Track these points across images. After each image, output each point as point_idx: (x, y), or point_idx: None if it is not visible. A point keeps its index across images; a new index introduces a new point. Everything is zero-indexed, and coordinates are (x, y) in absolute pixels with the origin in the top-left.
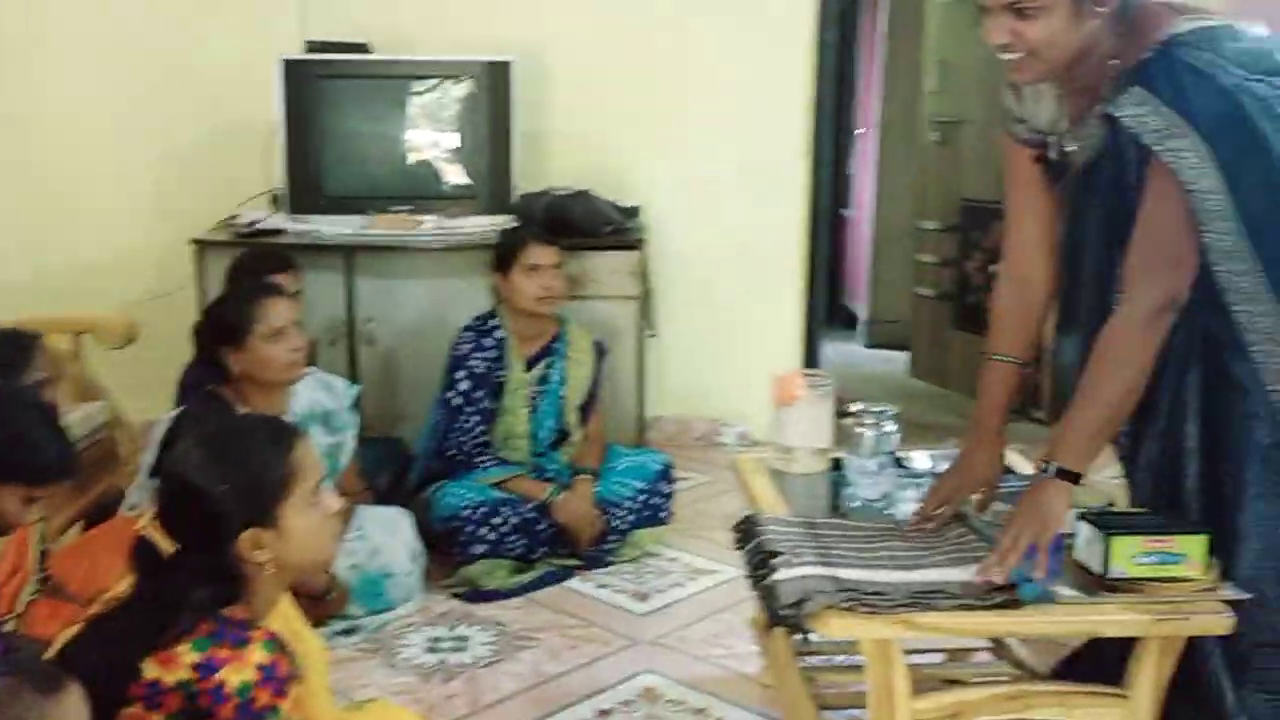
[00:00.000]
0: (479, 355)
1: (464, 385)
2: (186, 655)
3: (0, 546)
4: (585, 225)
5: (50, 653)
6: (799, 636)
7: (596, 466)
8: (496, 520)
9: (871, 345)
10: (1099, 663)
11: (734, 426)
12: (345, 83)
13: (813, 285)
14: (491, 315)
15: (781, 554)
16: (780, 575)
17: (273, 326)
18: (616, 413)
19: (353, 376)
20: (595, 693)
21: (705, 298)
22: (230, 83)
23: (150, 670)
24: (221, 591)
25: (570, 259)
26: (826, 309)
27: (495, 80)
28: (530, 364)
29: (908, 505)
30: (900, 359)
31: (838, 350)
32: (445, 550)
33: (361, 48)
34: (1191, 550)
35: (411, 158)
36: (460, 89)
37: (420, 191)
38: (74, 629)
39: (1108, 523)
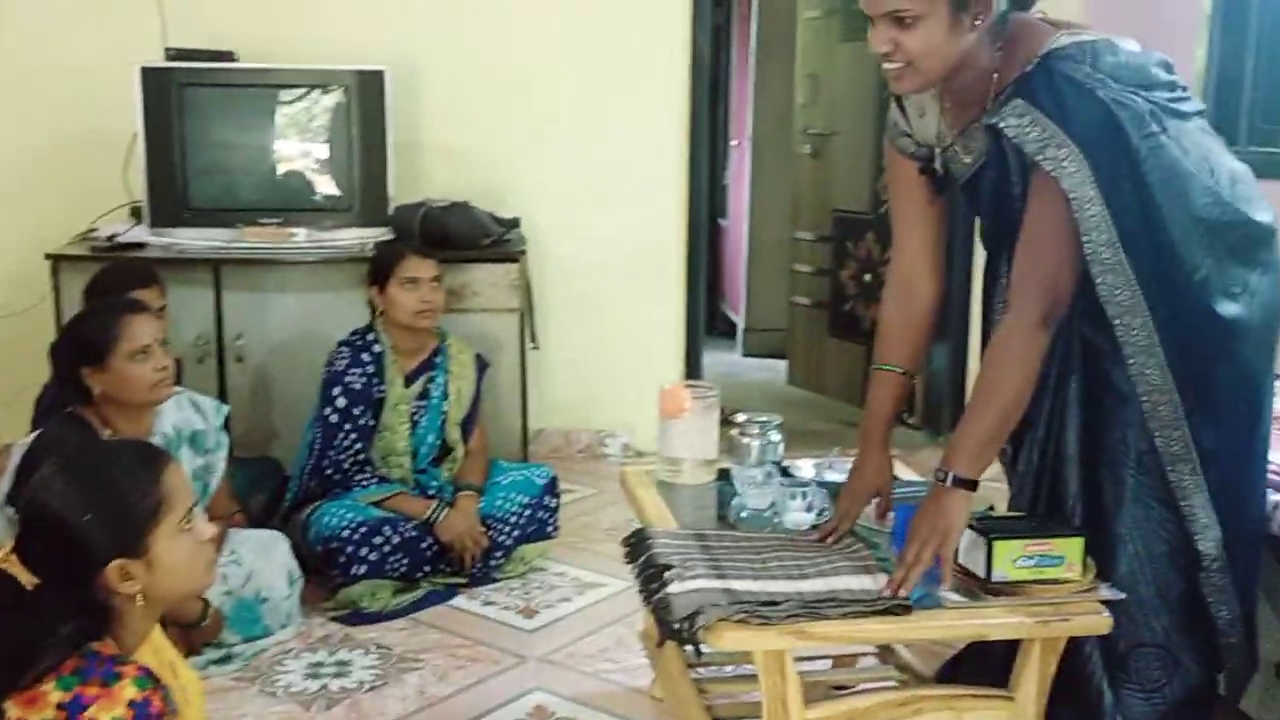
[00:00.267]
0: (356, 371)
1: (341, 402)
2: (52, 694)
3: None
4: (464, 237)
5: None
6: (691, 649)
7: (480, 482)
8: (378, 540)
9: (749, 354)
10: (984, 663)
11: (618, 437)
12: (210, 91)
13: (693, 295)
14: (369, 330)
15: (673, 567)
16: (673, 589)
17: (136, 345)
18: (499, 426)
19: (222, 395)
20: (484, 713)
21: (586, 308)
22: (88, 91)
23: (13, 711)
24: (88, 626)
25: (449, 271)
26: (706, 318)
27: (368, 90)
28: (410, 379)
29: (795, 514)
30: (778, 367)
31: (716, 359)
32: (324, 572)
33: (227, 55)
34: (1070, 552)
35: (281, 168)
36: (331, 98)
37: (291, 203)
38: None
39: (988, 527)
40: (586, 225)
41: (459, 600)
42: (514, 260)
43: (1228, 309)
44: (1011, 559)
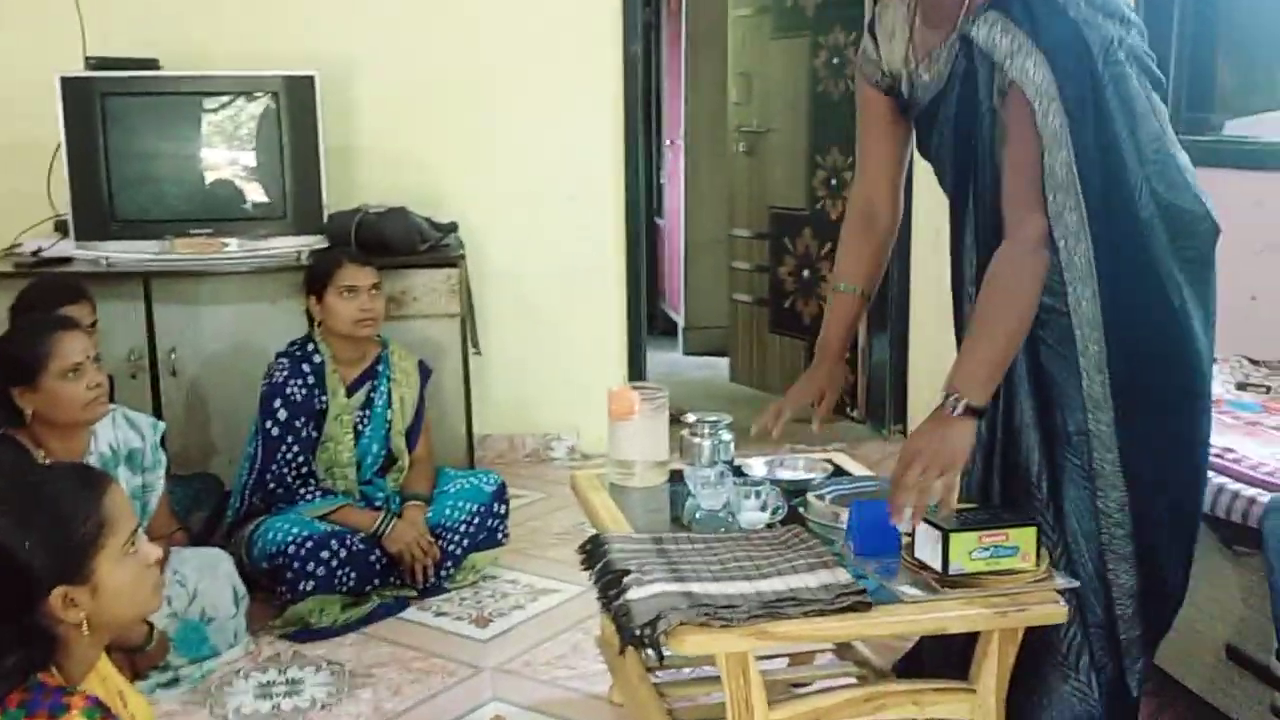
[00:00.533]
0: (296, 382)
1: (282, 415)
2: None
3: None
4: (401, 243)
5: None
6: (653, 654)
7: (427, 491)
8: (324, 554)
9: (690, 352)
10: (946, 655)
11: (564, 440)
12: (134, 100)
13: (634, 295)
14: (308, 340)
15: (631, 572)
16: (632, 595)
17: (68, 363)
18: (444, 433)
19: (156, 410)
20: None
21: (527, 311)
22: (6, 102)
23: None
24: (33, 656)
25: (388, 278)
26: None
27: (298, 95)
28: (352, 389)
29: (750, 514)
30: (720, 364)
31: (658, 358)
32: (270, 589)
33: (151, 63)
34: (1023, 542)
35: (210, 177)
36: (259, 105)
37: (221, 213)
38: None
39: (943, 519)
40: (524, 227)
41: (410, 612)
42: (453, 265)
43: (1164, 262)
44: (968, 551)
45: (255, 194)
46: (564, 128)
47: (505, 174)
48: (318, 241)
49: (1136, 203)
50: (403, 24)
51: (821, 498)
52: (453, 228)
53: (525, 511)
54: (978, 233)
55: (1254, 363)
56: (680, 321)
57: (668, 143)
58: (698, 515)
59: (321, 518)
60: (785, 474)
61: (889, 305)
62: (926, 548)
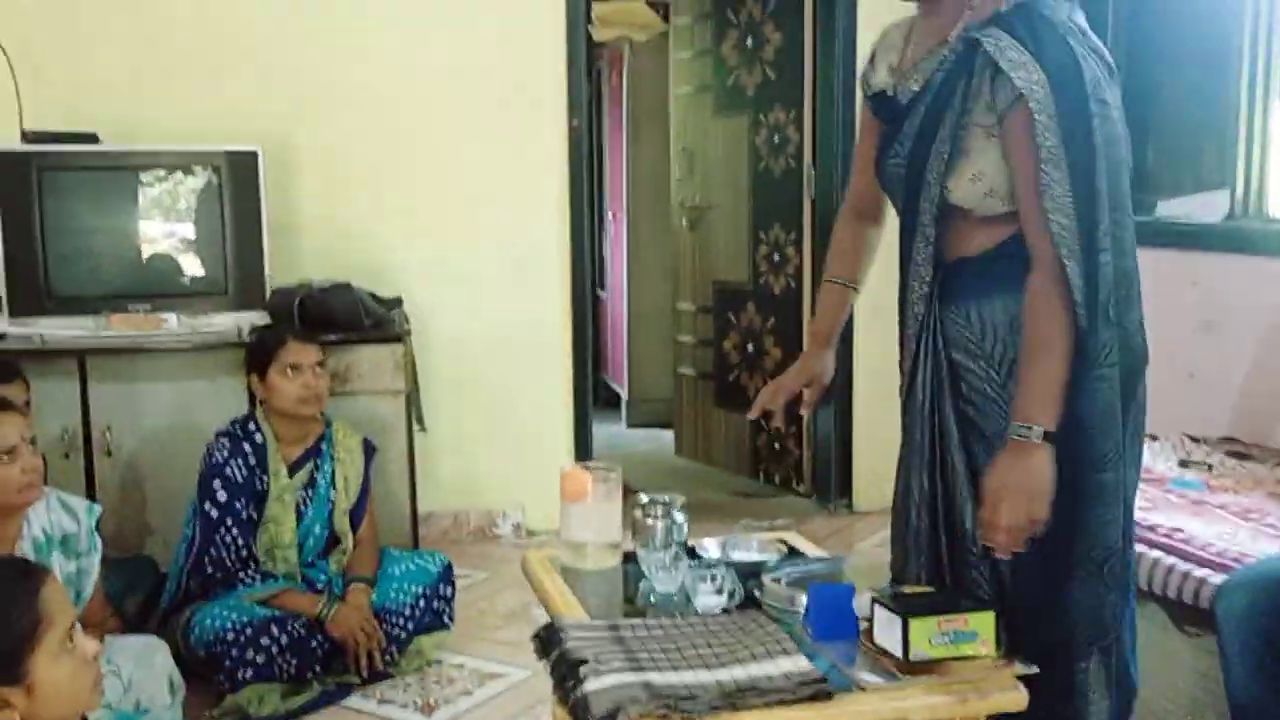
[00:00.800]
0: (237, 462)
1: (221, 496)
2: None
3: None
4: (346, 319)
5: None
6: None
7: (371, 573)
8: (264, 641)
9: (634, 424)
10: None
11: (509, 517)
12: (71, 175)
13: (579, 370)
14: (249, 419)
15: (587, 661)
16: (590, 686)
17: (3, 446)
18: (388, 511)
19: (90, 491)
20: None
21: (472, 386)
22: None
23: None
24: None
25: (332, 354)
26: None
27: (240, 170)
28: (294, 468)
29: (705, 598)
30: (664, 437)
31: (601, 430)
32: (208, 678)
33: (90, 138)
34: (981, 627)
35: (147, 251)
36: (202, 179)
37: (160, 288)
38: None
39: (902, 604)
40: (469, 303)
41: (354, 699)
42: (398, 340)
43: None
44: (928, 637)
45: (194, 269)
46: (508, 203)
47: (449, 249)
48: (260, 317)
49: (1115, 223)
50: (346, 99)
51: (778, 580)
52: (397, 303)
53: (471, 592)
54: (928, 250)
55: (1195, 440)
56: (623, 394)
57: (610, 215)
58: (652, 598)
59: (261, 602)
60: (739, 555)
61: (832, 380)
62: (886, 633)
